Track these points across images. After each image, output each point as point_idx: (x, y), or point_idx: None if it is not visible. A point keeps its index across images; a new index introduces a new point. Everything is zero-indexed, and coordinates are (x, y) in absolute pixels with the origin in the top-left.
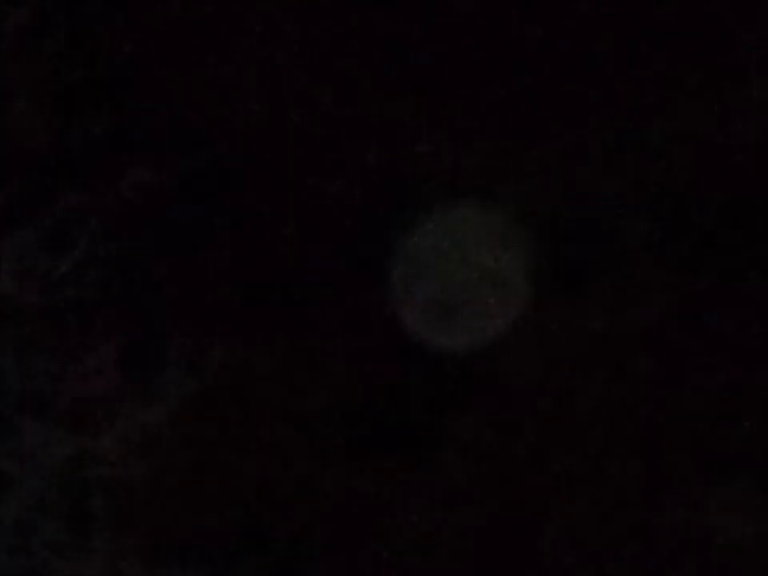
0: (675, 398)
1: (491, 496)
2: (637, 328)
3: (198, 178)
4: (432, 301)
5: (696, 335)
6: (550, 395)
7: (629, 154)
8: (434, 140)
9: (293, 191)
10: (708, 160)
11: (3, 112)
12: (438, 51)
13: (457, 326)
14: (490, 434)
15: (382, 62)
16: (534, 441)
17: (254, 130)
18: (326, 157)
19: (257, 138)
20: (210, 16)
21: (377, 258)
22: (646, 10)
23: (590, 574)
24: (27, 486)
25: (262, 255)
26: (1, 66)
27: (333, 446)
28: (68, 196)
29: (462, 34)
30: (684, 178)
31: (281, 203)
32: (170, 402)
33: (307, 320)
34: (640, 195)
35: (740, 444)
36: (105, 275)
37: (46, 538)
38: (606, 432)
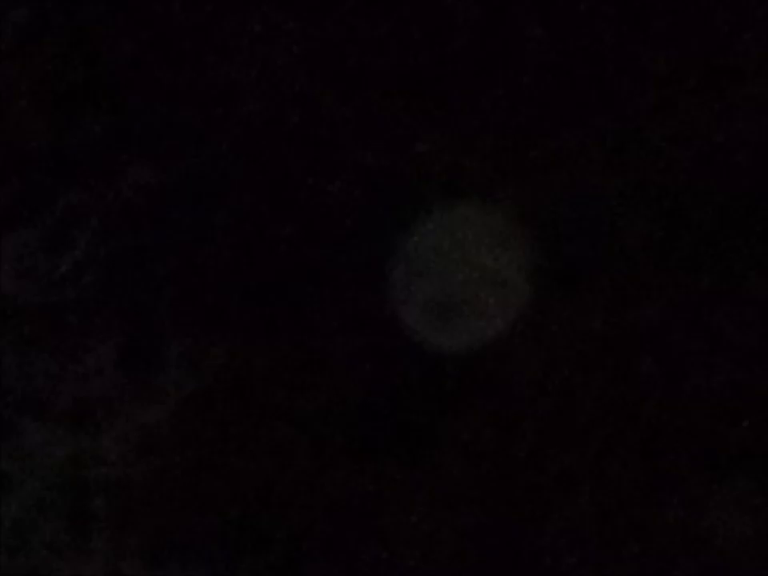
0: (675, 398)
1: (491, 496)
2: (637, 328)
3: (198, 178)
4: (432, 301)
5: (696, 335)
6: (550, 395)
7: (629, 153)
8: (434, 140)
9: (293, 191)
10: (708, 160)
11: (3, 112)
12: (438, 51)
13: (457, 326)
14: (490, 433)
15: (382, 62)
16: (534, 441)
17: (254, 129)
18: (325, 157)
19: (257, 138)
20: (210, 16)
21: (377, 258)
22: (646, 10)
23: (590, 573)
24: (27, 486)
25: (262, 255)
26: (1, 66)
27: (333, 446)
28: (68, 196)
29: (462, 34)
30: (684, 178)
31: (281, 203)
32: (170, 402)
33: (307, 320)
34: (640, 195)
35: (740, 444)
36: (105, 275)
37: (46, 538)
38: (606, 432)
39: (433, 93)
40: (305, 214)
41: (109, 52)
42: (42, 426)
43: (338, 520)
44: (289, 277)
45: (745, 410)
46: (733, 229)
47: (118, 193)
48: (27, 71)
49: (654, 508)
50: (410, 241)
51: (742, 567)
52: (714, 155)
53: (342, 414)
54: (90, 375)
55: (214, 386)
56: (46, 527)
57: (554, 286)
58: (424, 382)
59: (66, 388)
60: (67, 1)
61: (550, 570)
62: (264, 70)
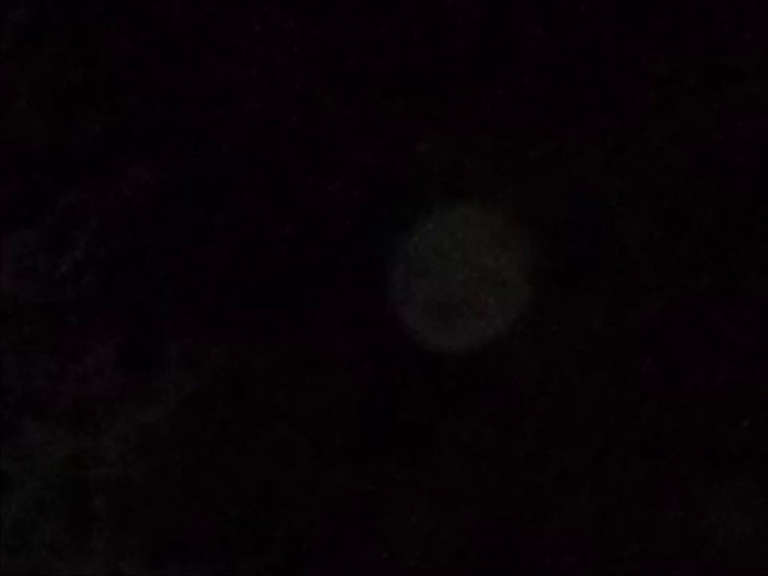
0: (675, 398)
1: (491, 496)
2: (637, 328)
3: (198, 178)
4: (432, 301)
5: (696, 335)
6: (550, 395)
7: (629, 153)
8: (434, 140)
9: (293, 191)
10: (708, 160)
11: (3, 112)
12: (438, 51)
13: (457, 326)
14: (490, 433)
15: (382, 62)
16: (534, 441)
17: (254, 129)
18: (325, 157)
19: (257, 138)
20: (210, 16)
21: (377, 258)
22: (646, 10)
23: (590, 573)
24: (27, 486)
25: (262, 255)
26: (1, 66)
27: (333, 446)
28: (68, 196)
29: (462, 34)
30: (684, 178)
31: (281, 203)
32: (170, 402)
33: (307, 320)
34: (640, 195)
35: (740, 444)
36: (105, 275)
37: (46, 538)
38: (606, 432)
39: (433, 93)
40: (305, 214)
41: (109, 52)
42: (42, 425)
43: (338, 520)
44: (289, 277)
45: (745, 410)
46: (733, 229)
47: (118, 193)
48: (27, 71)
49: (654, 508)
50: (410, 241)
51: (742, 567)
52: (713, 155)
53: (342, 414)
54: (90, 375)
55: (214, 385)
56: (46, 527)
57: (554, 286)
58: (424, 382)
59: (66, 388)
60: (67, 1)
61: (549, 570)
62: (264, 70)
